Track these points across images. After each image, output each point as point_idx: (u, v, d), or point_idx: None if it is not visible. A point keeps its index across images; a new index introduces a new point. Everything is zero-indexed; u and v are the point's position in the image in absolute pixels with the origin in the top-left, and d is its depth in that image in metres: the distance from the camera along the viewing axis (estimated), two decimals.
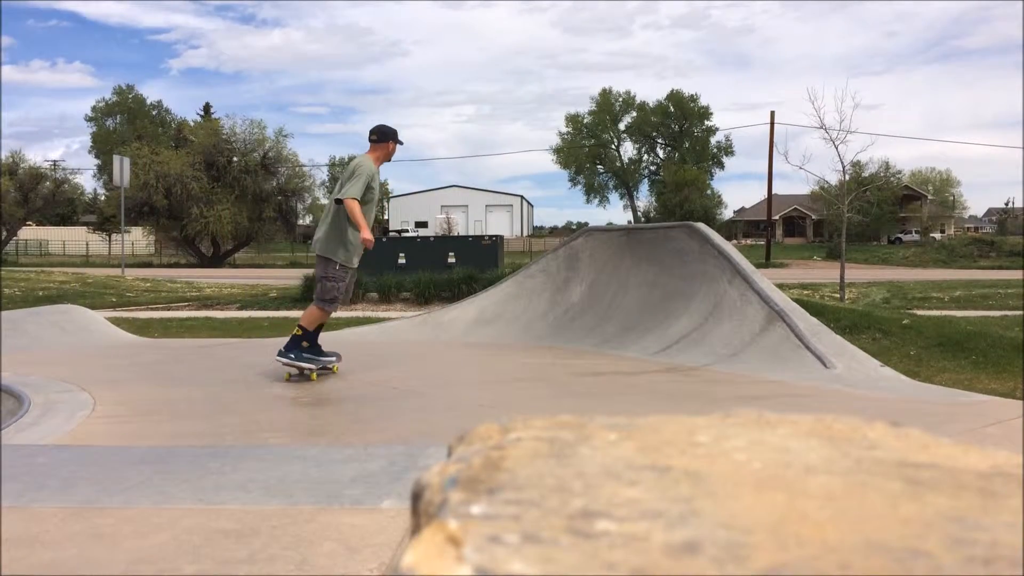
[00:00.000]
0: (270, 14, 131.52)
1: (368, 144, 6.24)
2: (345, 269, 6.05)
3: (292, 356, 5.97)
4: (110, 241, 48.84)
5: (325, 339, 6.54)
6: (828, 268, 31.83)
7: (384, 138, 6.21)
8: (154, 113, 74.18)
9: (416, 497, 0.55)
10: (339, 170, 72.63)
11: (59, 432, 4.32)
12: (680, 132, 72.11)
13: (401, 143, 6.33)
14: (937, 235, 59.63)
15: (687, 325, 7.49)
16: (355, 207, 5.85)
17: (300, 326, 6.07)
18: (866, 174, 39.67)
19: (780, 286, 7.91)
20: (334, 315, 6.62)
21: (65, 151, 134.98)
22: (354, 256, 6.10)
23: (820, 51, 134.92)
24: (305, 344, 6.02)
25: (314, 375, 6.02)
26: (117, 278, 22.02)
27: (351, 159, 6.35)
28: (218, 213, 39.31)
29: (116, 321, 10.96)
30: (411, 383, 5.99)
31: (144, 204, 39.03)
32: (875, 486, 0.53)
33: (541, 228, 79.24)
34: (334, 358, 6.25)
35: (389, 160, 6.33)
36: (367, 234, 5.88)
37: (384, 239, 18.26)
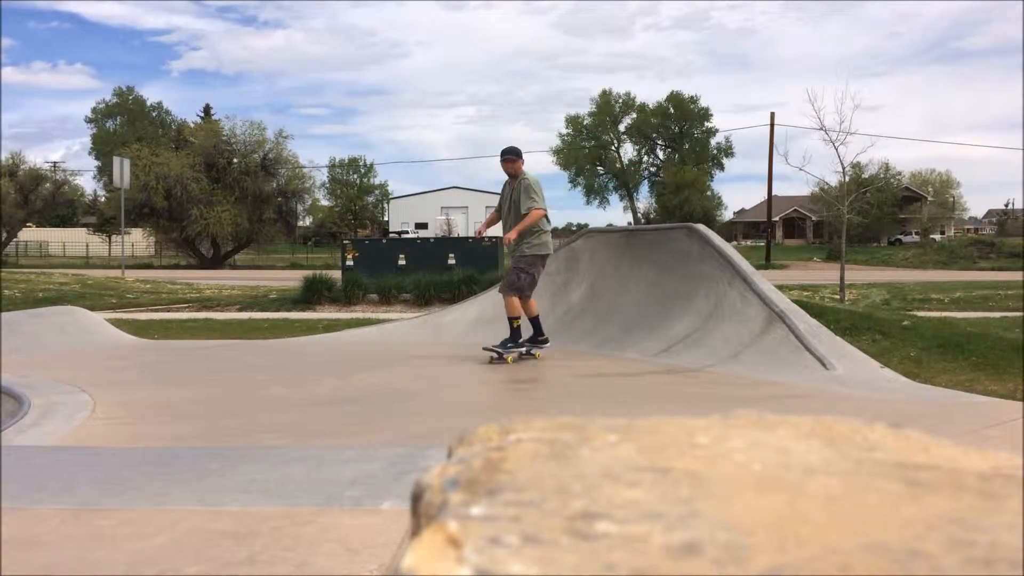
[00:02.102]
0: (271, 15, 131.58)
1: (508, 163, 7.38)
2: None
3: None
4: (110, 242, 48.87)
5: (326, 338, 6.58)
6: (828, 269, 31.84)
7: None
8: (154, 115, 74.16)
9: (416, 498, 0.55)
10: (339, 171, 72.95)
11: (59, 433, 4.32)
12: (680, 133, 72.09)
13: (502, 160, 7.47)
14: (937, 236, 59.65)
15: (687, 326, 7.49)
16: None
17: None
18: (866, 175, 39.69)
19: (780, 287, 7.91)
20: (335, 315, 6.76)
21: (66, 152, 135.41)
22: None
23: (820, 52, 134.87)
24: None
25: None
26: (117, 279, 22.03)
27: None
28: (218, 214, 39.30)
29: (116, 322, 10.96)
30: (411, 384, 5.99)
31: (144, 205, 39.02)
32: (875, 487, 0.53)
33: None
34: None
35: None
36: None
37: (384, 240, 18.28)
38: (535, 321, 7.44)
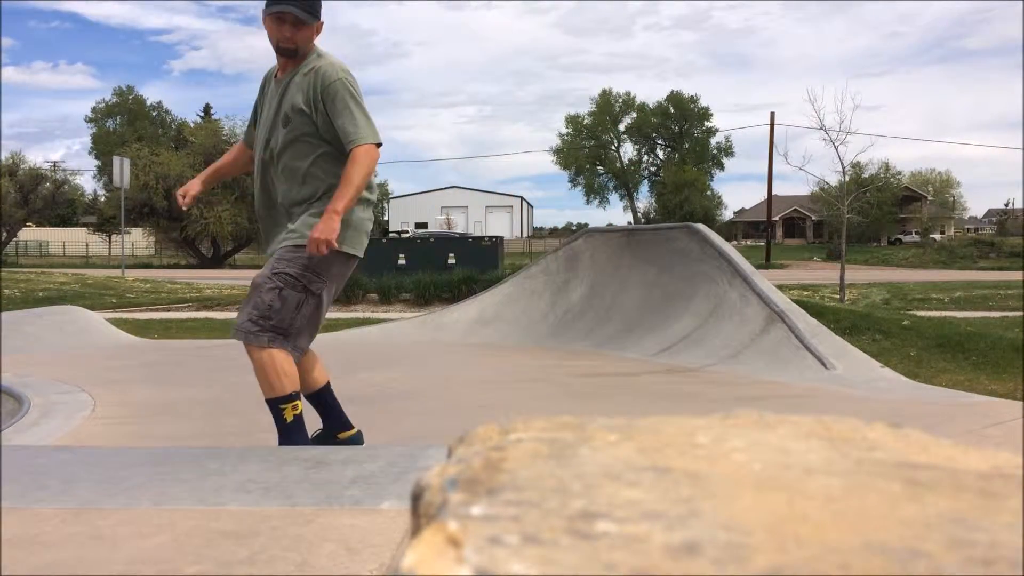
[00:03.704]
0: None
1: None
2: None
3: None
4: (110, 242, 48.83)
5: (326, 338, 6.56)
6: (828, 269, 31.83)
7: None
8: (154, 114, 74.15)
9: (416, 498, 0.55)
10: None
11: (59, 433, 4.32)
12: (680, 133, 72.11)
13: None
14: (937, 236, 59.63)
15: (687, 326, 7.49)
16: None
17: None
18: (866, 175, 39.77)
19: (780, 287, 7.91)
20: (335, 315, 6.67)
21: (66, 152, 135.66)
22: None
23: (821, 52, 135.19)
24: None
25: None
26: (117, 279, 22.02)
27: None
28: (218, 214, 39.32)
29: (116, 322, 10.95)
30: (411, 384, 5.99)
31: (144, 205, 39.07)
32: (875, 487, 0.53)
33: (541, 229, 79.21)
34: None
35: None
36: None
37: (384, 240, 18.29)
38: (322, 395, 3.58)
